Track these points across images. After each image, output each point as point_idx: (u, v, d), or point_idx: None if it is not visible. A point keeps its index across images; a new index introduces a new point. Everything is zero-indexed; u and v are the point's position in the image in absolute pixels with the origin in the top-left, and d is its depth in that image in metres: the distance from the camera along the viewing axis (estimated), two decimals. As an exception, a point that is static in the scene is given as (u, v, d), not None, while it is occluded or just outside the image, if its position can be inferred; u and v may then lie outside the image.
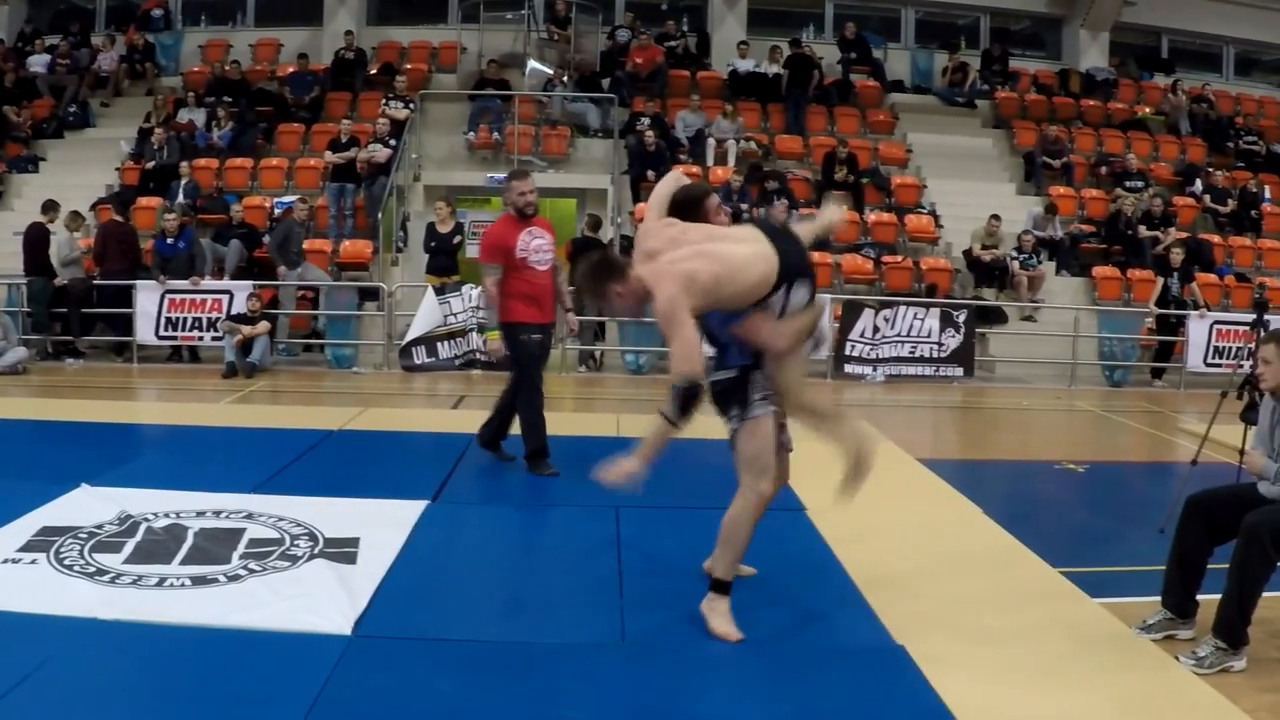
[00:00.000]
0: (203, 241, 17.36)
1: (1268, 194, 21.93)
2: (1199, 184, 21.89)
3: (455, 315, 16.18)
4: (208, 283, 16.59)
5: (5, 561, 6.27)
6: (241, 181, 19.85)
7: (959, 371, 16.93)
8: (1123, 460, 11.91)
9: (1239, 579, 5.50)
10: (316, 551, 6.63)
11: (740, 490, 5.61)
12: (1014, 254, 18.81)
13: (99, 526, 6.94)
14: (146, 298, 16.28)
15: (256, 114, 21.14)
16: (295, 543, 6.79)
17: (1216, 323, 17.51)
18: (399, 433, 11.19)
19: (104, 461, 8.83)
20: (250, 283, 16.51)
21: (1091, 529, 8.54)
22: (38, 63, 22.39)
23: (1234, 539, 5.60)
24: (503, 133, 20.54)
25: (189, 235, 16.86)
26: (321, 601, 5.79)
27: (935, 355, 16.90)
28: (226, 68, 21.97)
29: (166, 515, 7.23)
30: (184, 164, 19.21)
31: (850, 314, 16.57)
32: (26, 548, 6.49)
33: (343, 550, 6.65)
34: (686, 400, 5.23)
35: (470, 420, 11.40)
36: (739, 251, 5.33)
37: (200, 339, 16.53)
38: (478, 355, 16.09)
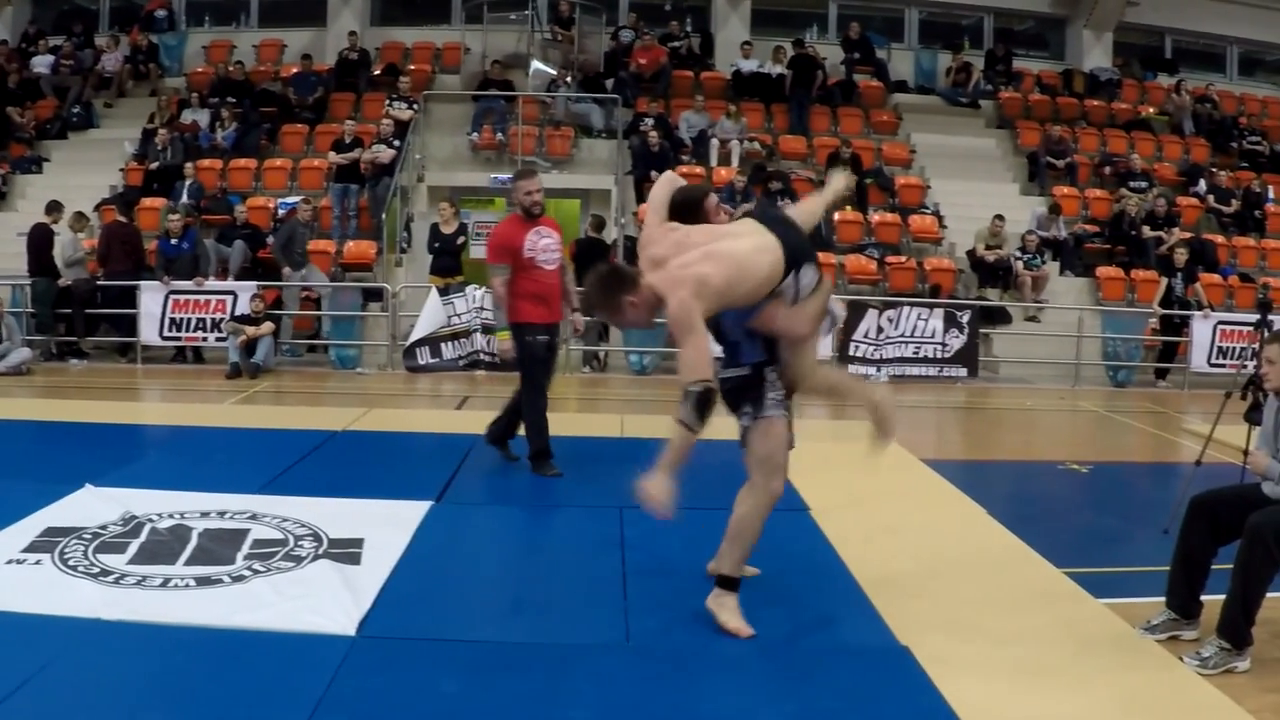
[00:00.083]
0: (206, 242, 17.37)
1: (1271, 194, 21.89)
2: (1203, 184, 21.88)
3: (459, 316, 16.19)
4: (212, 283, 16.60)
5: (10, 562, 6.28)
6: (245, 182, 19.86)
7: (963, 372, 16.92)
8: (1127, 461, 11.89)
9: (1243, 579, 5.50)
10: (321, 552, 6.63)
11: (752, 488, 5.62)
12: (1018, 254, 18.79)
13: (103, 527, 6.94)
14: (150, 298, 16.29)
15: (260, 115, 21.14)
16: (299, 543, 6.79)
17: (1220, 323, 17.50)
18: (403, 433, 11.19)
19: (108, 462, 8.83)
20: (254, 283, 16.52)
21: (1095, 529, 8.52)
22: (41, 63, 22.41)
23: (1238, 539, 5.60)
24: (506, 133, 20.55)
25: (193, 236, 16.89)
26: (326, 602, 5.79)
27: (939, 356, 16.89)
28: (230, 68, 21.98)
29: (171, 516, 7.24)
30: (188, 165, 19.21)
31: (854, 314, 16.53)
32: (31, 548, 6.50)
33: (347, 551, 6.66)
34: (701, 404, 5.19)
35: (474, 421, 11.40)
36: (743, 248, 5.34)
37: (204, 340, 16.54)
38: (482, 356, 16.12)
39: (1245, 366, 11.54)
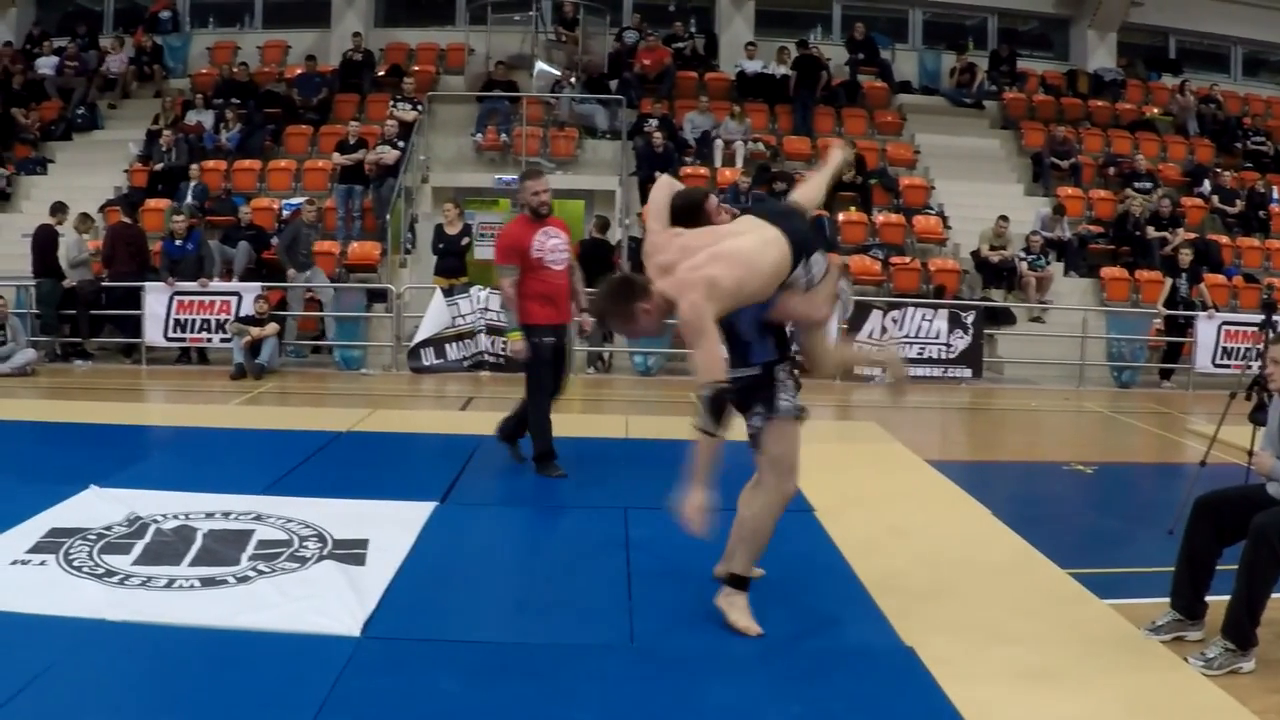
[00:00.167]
0: (211, 243, 17.36)
1: (1276, 194, 21.83)
2: (1207, 184, 21.86)
3: (463, 317, 16.19)
4: (216, 284, 16.62)
5: (15, 563, 6.30)
6: (249, 183, 19.86)
7: (967, 373, 16.92)
8: (1131, 461, 11.89)
9: (1248, 580, 5.50)
10: (325, 553, 6.64)
11: (764, 488, 5.63)
12: (1022, 255, 18.79)
13: (108, 528, 6.95)
14: (155, 299, 16.31)
15: (264, 116, 21.15)
16: (304, 544, 6.80)
17: (1225, 323, 17.48)
18: (407, 434, 11.20)
19: (113, 463, 8.84)
20: (258, 284, 16.54)
21: (1100, 530, 8.52)
22: (46, 65, 22.44)
23: (1243, 540, 5.59)
24: (510, 134, 20.54)
25: (197, 237, 16.89)
26: (330, 603, 5.80)
27: (943, 356, 16.89)
28: (234, 69, 21.99)
29: (175, 517, 7.25)
30: (193, 166, 19.23)
31: (858, 315, 16.54)
32: (36, 549, 6.51)
33: (351, 552, 6.66)
34: (717, 407, 5.19)
35: (479, 422, 11.43)
36: (748, 245, 5.33)
37: (209, 341, 16.57)
38: (486, 357, 16.12)
39: (1250, 367, 11.53)
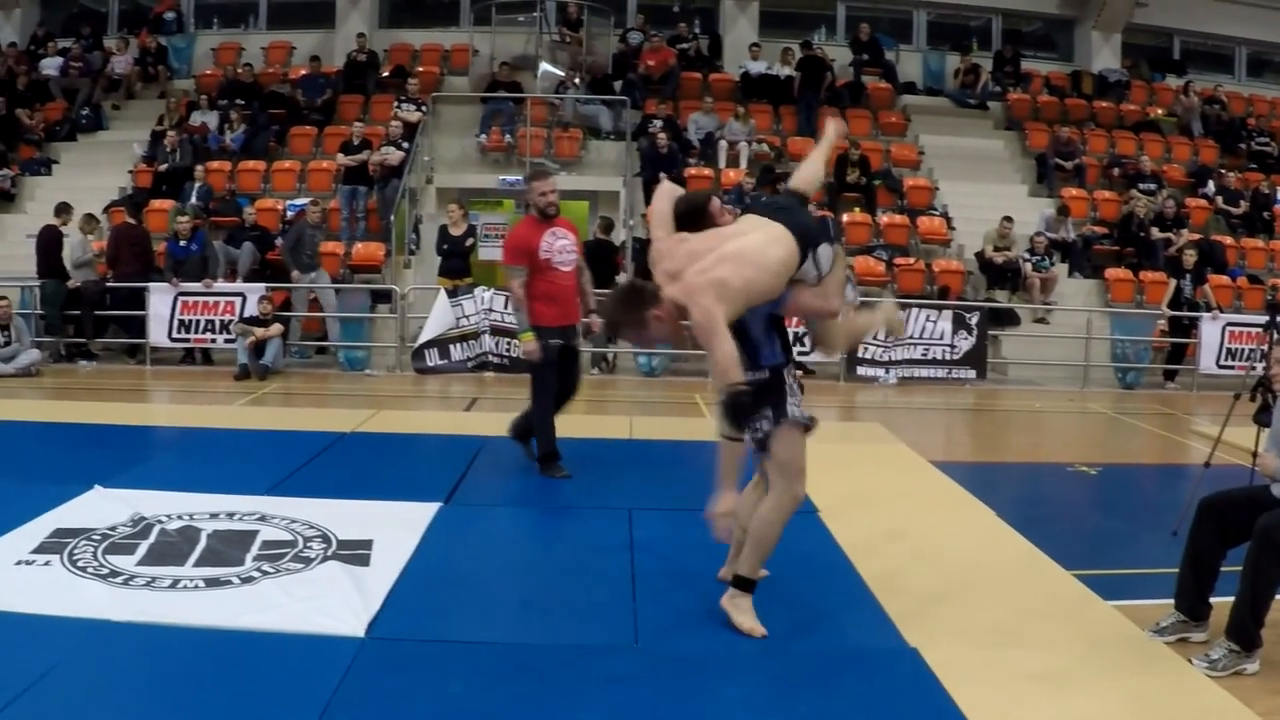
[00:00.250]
0: (215, 244, 17.38)
1: (1280, 195, 21.89)
2: (1211, 185, 21.86)
3: (468, 317, 16.20)
4: (220, 285, 16.64)
5: (19, 563, 6.30)
6: (254, 184, 19.88)
7: (971, 374, 16.91)
8: (1135, 463, 11.88)
9: (1252, 581, 5.50)
10: (330, 553, 6.64)
11: (774, 492, 5.62)
12: (1026, 256, 18.78)
13: (112, 528, 6.96)
14: (159, 300, 16.34)
15: (269, 117, 21.15)
16: (308, 545, 6.80)
17: (1229, 324, 17.46)
18: (412, 435, 11.20)
19: (117, 463, 8.85)
20: (262, 285, 16.56)
21: (1104, 531, 8.52)
22: (50, 65, 22.46)
23: (1247, 541, 5.59)
24: (515, 135, 20.56)
25: (201, 238, 16.90)
26: (335, 603, 5.81)
27: (948, 357, 16.88)
28: (239, 70, 22.00)
29: (180, 517, 7.26)
30: (197, 167, 19.24)
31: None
32: (40, 549, 6.52)
33: (356, 552, 6.67)
34: (737, 410, 5.17)
35: (483, 422, 11.46)
36: (753, 243, 5.31)
37: (213, 341, 16.59)
38: (490, 357, 16.13)
39: (1254, 368, 11.53)
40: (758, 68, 22.83)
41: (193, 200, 18.59)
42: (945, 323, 16.82)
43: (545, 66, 22.26)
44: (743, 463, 5.36)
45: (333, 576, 6.23)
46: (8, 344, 15.05)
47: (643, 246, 16.99)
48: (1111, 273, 19.40)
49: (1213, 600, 5.87)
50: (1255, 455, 6.92)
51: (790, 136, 21.80)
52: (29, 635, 5.34)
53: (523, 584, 6.61)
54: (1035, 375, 17.52)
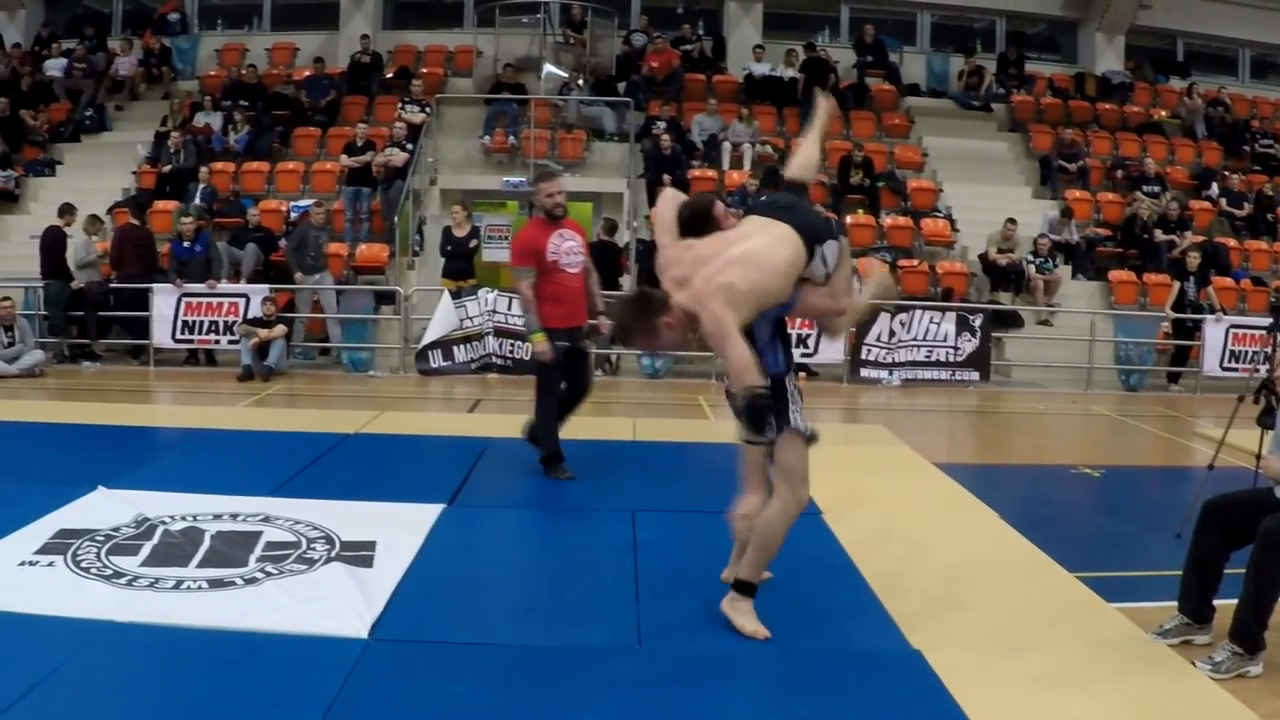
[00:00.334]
0: (219, 245, 17.41)
1: (1284, 197, 21.87)
2: (1215, 187, 21.84)
3: (471, 319, 16.21)
4: (224, 286, 16.65)
5: (22, 564, 6.31)
6: (258, 185, 19.90)
7: (975, 376, 16.90)
8: (1139, 465, 11.88)
9: (1255, 584, 5.49)
10: (333, 555, 6.64)
11: (777, 497, 5.59)
12: (1030, 258, 18.78)
13: (116, 529, 6.97)
14: (163, 301, 16.35)
15: (273, 118, 21.19)
16: (312, 546, 6.80)
17: (1233, 326, 17.45)
18: (415, 436, 11.20)
19: (120, 464, 8.86)
20: (266, 286, 16.57)
21: (1108, 534, 8.52)
22: (54, 66, 22.48)
23: (1250, 544, 5.59)
24: (518, 136, 20.57)
25: (205, 239, 16.91)
26: (338, 605, 5.81)
27: (951, 359, 16.87)
28: (243, 71, 22.00)
29: (183, 518, 7.26)
30: (201, 168, 19.26)
31: (866, 318, 16.52)
32: (44, 550, 6.52)
33: (359, 554, 6.67)
34: (757, 414, 5.13)
35: (487, 424, 11.46)
36: (759, 245, 5.29)
37: (216, 342, 16.61)
38: (494, 359, 16.14)
39: (1258, 370, 11.49)
40: (761, 69, 22.83)
41: (196, 201, 18.60)
42: (949, 325, 16.81)
43: (549, 68, 22.27)
44: (764, 466, 5.35)
45: (336, 578, 6.23)
46: (11, 345, 15.07)
47: (646, 248, 17.01)
48: (1115, 275, 19.40)
49: (1216, 603, 5.87)
50: (1259, 458, 6.91)
51: (794, 138, 21.71)
52: (32, 636, 5.34)
53: (526, 586, 6.61)
54: (1038, 377, 17.53)
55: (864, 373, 16.67)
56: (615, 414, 13.03)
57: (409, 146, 19.21)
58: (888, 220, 20.02)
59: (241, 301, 16.40)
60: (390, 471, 9.39)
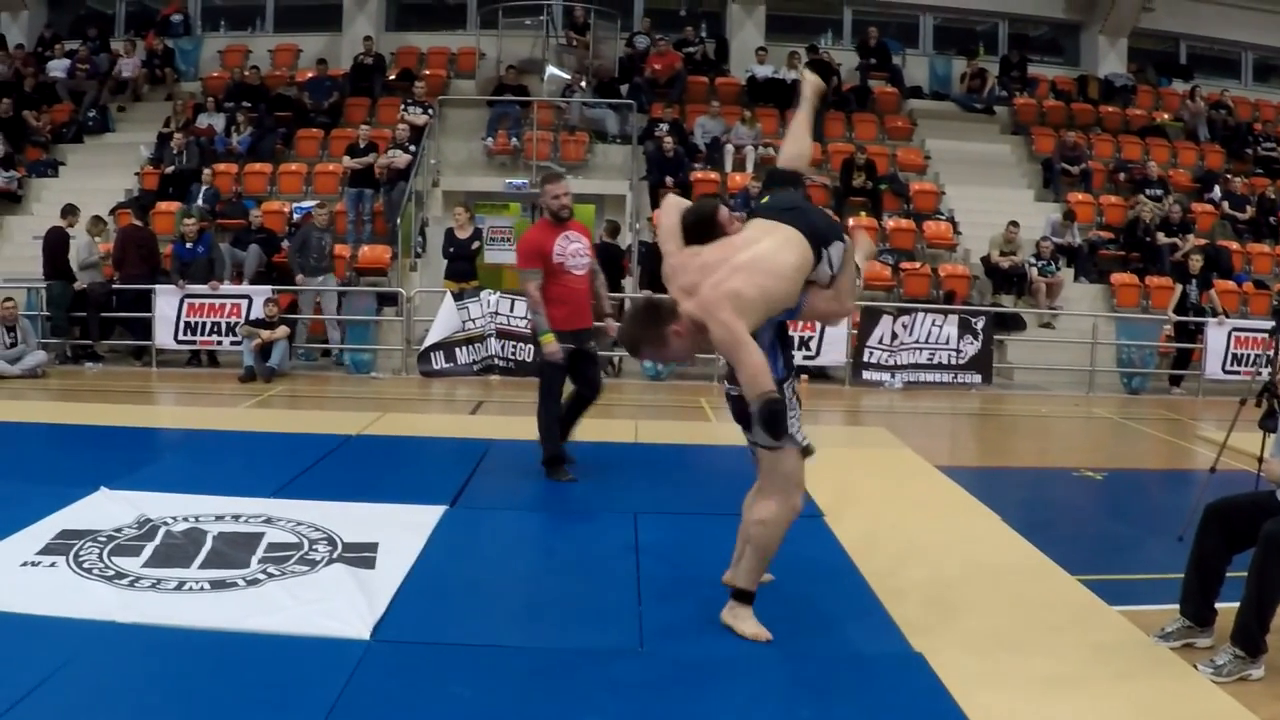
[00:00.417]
0: (221, 246, 17.43)
1: (1286, 200, 21.86)
2: (1217, 190, 21.84)
3: (474, 321, 16.20)
4: (226, 287, 16.66)
5: (25, 564, 6.31)
6: (260, 186, 19.93)
7: (977, 378, 16.88)
8: (1141, 468, 11.88)
9: (1257, 587, 5.49)
10: (335, 556, 6.65)
11: (773, 505, 5.57)
12: (1032, 261, 18.79)
13: (118, 530, 6.97)
14: (165, 302, 16.37)
15: (275, 119, 21.21)
16: (314, 547, 6.80)
17: (1235, 330, 17.44)
18: (417, 438, 11.20)
19: (123, 465, 8.87)
20: (269, 288, 16.59)
21: (1110, 537, 8.51)
22: (57, 67, 22.50)
23: (1252, 547, 5.58)
24: (521, 138, 20.57)
25: (208, 240, 16.93)
26: (340, 606, 5.81)
27: (953, 362, 16.86)
28: (246, 73, 22.00)
29: (185, 519, 7.26)
30: (204, 169, 19.28)
31: (868, 321, 16.53)
32: (46, 550, 6.53)
33: (361, 555, 6.67)
34: (772, 420, 5.09)
35: (489, 426, 11.46)
36: (766, 250, 5.26)
37: (219, 343, 16.63)
38: (496, 360, 16.14)
39: (1260, 373, 11.51)
40: (764, 72, 22.82)
41: (199, 202, 18.62)
42: (951, 327, 16.80)
43: (552, 70, 22.29)
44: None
45: (338, 579, 6.23)
46: (14, 345, 15.09)
47: (649, 250, 17.01)
48: (1117, 278, 19.40)
49: (1218, 606, 5.86)
50: (1261, 460, 6.91)
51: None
52: (35, 636, 5.34)
53: (528, 587, 6.61)
54: (1041, 380, 17.53)
55: (866, 375, 16.67)
56: (617, 416, 13.03)
57: (411, 148, 19.20)
58: (890, 223, 20.01)
59: (244, 303, 16.42)
60: (392, 473, 9.38)
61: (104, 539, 6.77)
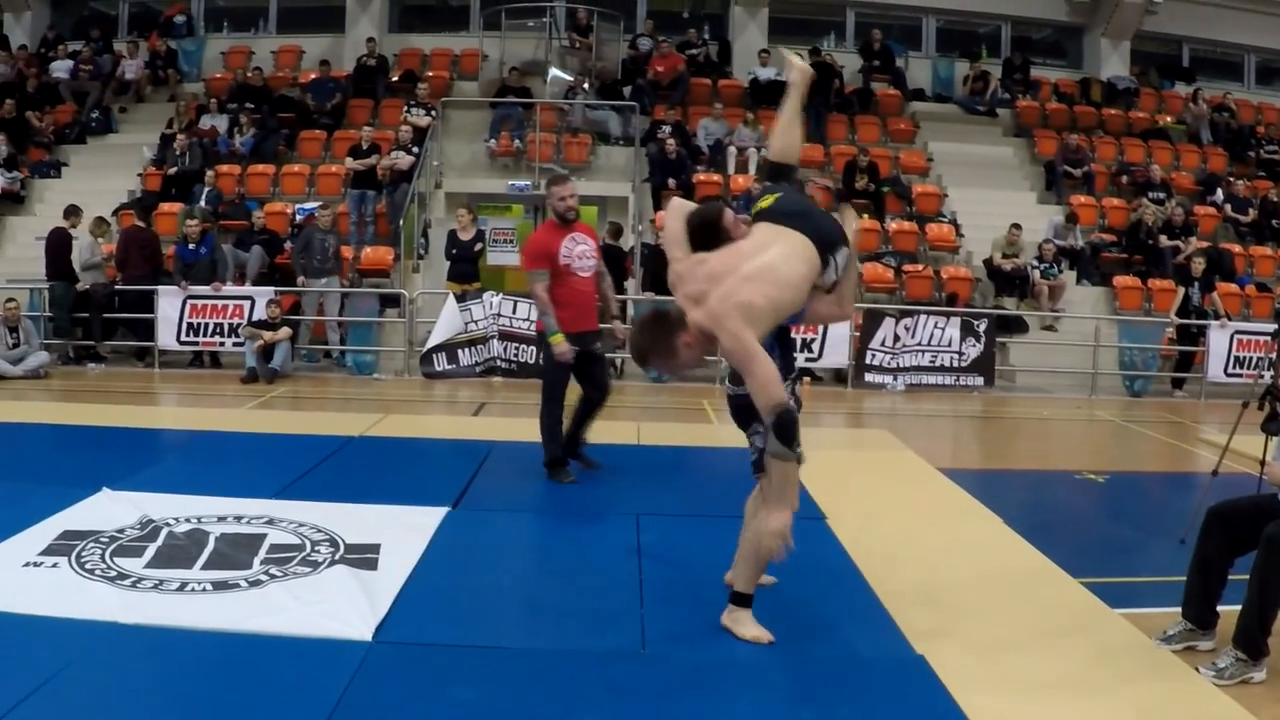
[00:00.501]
0: (224, 247, 17.43)
1: (1289, 203, 21.85)
2: (1220, 193, 21.82)
3: (476, 322, 16.20)
4: (229, 289, 16.68)
5: (27, 565, 6.32)
6: (263, 188, 19.93)
7: (979, 381, 16.88)
8: (1143, 470, 11.87)
9: (1259, 590, 5.48)
10: (337, 557, 6.65)
11: (768, 506, 5.56)
12: (1035, 263, 18.78)
13: (120, 531, 6.98)
14: (168, 303, 16.38)
15: (278, 120, 21.23)
16: (316, 548, 6.81)
17: (1237, 332, 17.41)
18: (419, 439, 11.21)
19: (125, 466, 8.88)
20: (271, 289, 16.60)
21: (1111, 539, 8.50)
22: (60, 68, 22.50)
23: (1254, 550, 5.58)
24: (524, 140, 20.57)
25: (211, 241, 16.95)
26: (342, 607, 5.81)
27: (956, 364, 16.85)
28: (249, 74, 22.02)
29: (188, 520, 7.27)
30: (207, 170, 19.29)
31: (871, 323, 16.53)
32: (48, 551, 6.53)
33: (363, 556, 6.68)
34: (785, 430, 5.06)
35: (491, 427, 11.46)
36: (775, 259, 5.22)
37: (221, 345, 16.64)
38: (498, 362, 16.14)
39: (1262, 376, 11.51)
40: (767, 74, 22.79)
41: (202, 203, 18.63)
42: (953, 330, 16.79)
43: (555, 72, 22.32)
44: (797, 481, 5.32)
45: (340, 580, 6.23)
46: (16, 346, 15.11)
47: (651, 252, 17.02)
48: (1120, 280, 19.40)
49: (1220, 609, 5.86)
50: (1263, 464, 6.91)
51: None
52: (37, 637, 5.35)
53: (530, 589, 6.61)
54: (1043, 382, 17.51)
55: (868, 377, 16.66)
56: (619, 418, 13.03)
57: (414, 150, 19.22)
58: (893, 225, 20.00)
59: (246, 304, 16.43)
60: (394, 474, 9.38)
61: (106, 540, 6.78)
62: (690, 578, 6.52)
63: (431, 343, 16.25)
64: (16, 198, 19.88)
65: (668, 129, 20.52)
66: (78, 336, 16.67)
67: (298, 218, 18.61)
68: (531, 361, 15.40)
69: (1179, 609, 5.95)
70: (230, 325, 16.41)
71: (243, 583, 6.15)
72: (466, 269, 17.05)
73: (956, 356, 16.83)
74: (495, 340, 16.12)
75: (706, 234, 5.59)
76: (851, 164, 20.41)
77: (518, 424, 10.60)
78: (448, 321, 16.24)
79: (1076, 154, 21.96)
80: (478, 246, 17.30)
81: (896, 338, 16.64)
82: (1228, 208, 21.51)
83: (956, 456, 12.22)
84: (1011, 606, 6.33)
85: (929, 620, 5.98)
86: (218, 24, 24.93)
